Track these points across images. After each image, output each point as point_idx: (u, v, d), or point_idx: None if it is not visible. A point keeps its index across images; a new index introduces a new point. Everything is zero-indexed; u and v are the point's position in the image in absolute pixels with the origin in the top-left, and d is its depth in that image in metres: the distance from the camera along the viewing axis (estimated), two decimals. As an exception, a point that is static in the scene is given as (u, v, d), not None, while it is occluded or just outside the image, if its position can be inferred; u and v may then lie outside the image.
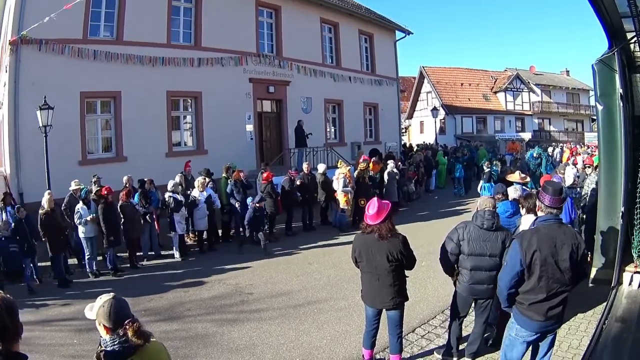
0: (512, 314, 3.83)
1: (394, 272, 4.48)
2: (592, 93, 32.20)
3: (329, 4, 19.54)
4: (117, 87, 13.03)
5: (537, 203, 3.87)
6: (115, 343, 2.38)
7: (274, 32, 17.83)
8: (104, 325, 2.45)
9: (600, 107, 5.90)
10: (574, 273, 3.58)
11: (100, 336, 2.49)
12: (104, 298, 2.50)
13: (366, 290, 4.70)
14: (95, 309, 2.48)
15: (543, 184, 4.03)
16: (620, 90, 5.57)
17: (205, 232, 10.59)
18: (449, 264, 4.79)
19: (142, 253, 9.96)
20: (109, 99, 13.18)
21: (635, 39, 5.59)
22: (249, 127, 16.46)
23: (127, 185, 10.13)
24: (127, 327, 2.39)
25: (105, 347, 2.40)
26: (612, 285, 5.59)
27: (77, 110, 12.19)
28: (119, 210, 9.33)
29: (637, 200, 5.84)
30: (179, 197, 9.93)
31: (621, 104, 5.59)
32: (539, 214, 3.84)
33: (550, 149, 23.72)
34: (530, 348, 3.90)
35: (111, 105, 13.22)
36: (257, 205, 10.17)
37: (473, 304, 4.82)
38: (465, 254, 4.60)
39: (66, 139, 11.71)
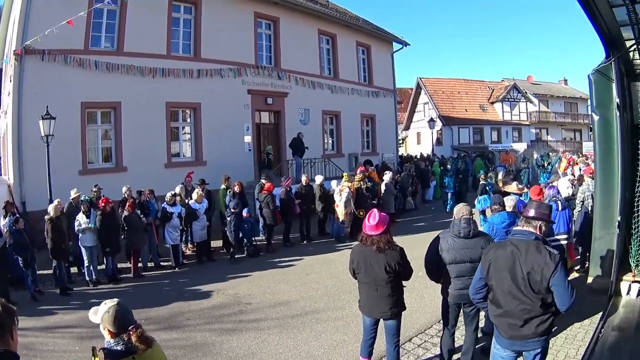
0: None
1: (391, 283, 4.51)
2: (590, 102, 31.80)
3: (327, 15, 19.75)
4: (117, 98, 13.14)
5: (520, 217, 3.70)
6: (119, 344, 2.48)
7: (273, 43, 17.98)
8: (108, 330, 2.53)
9: (596, 117, 5.95)
10: (543, 298, 3.30)
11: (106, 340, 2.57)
12: (109, 304, 2.57)
13: (364, 300, 4.72)
14: (100, 313, 2.56)
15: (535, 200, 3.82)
16: (617, 100, 5.61)
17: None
18: (431, 269, 4.85)
19: (141, 264, 10.00)
20: (109, 110, 13.31)
21: (635, 46, 5.59)
22: (248, 139, 16.54)
23: (126, 196, 10.24)
24: (131, 332, 2.48)
25: (109, 346, 2.49)
26: (609, 294, 5.66)
27: (78, 120, 12.32)
28: (122, 220, 9.45)
29: (635, 209, 5.84)
30: (169, 209, 10.07)
31: (618, 114, 5.63)
32: (518, 227, 3.66)
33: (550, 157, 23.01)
34: None
35: (111, 116, 13.34)
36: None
37: (461, 313, 4.88)
38: (447, 263, 4.65)
39: (67, 149, 11.83)
